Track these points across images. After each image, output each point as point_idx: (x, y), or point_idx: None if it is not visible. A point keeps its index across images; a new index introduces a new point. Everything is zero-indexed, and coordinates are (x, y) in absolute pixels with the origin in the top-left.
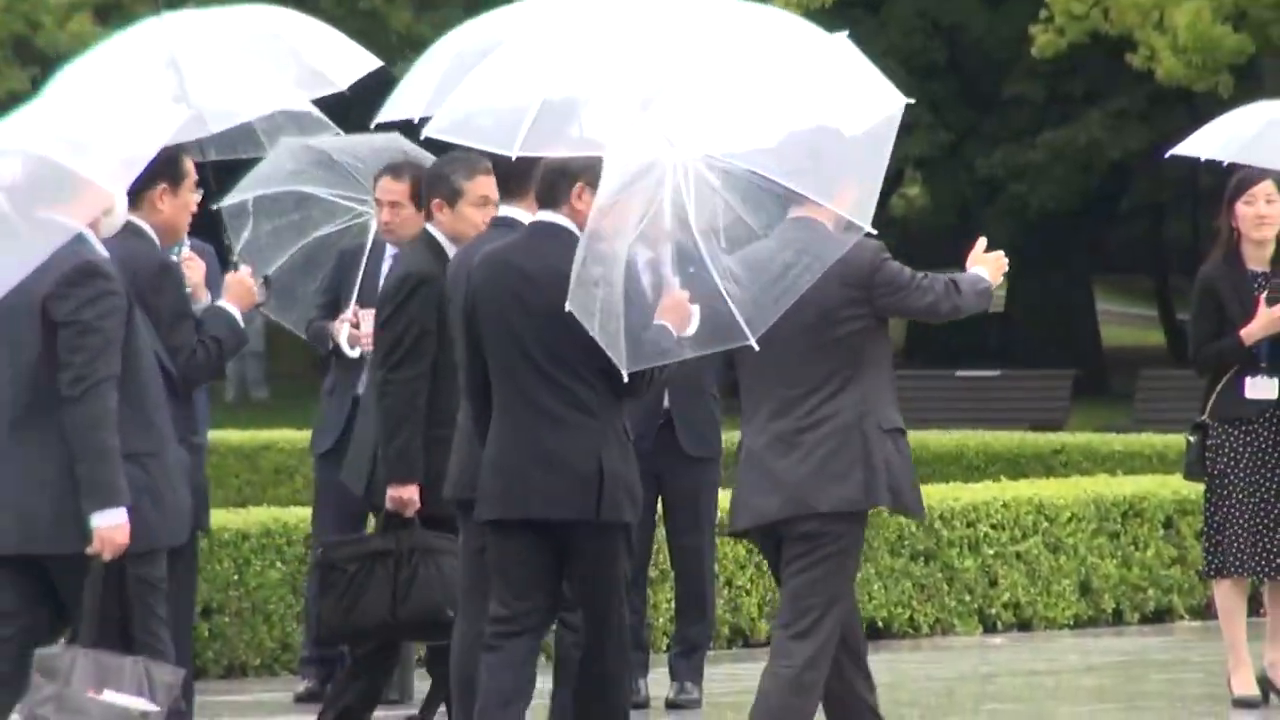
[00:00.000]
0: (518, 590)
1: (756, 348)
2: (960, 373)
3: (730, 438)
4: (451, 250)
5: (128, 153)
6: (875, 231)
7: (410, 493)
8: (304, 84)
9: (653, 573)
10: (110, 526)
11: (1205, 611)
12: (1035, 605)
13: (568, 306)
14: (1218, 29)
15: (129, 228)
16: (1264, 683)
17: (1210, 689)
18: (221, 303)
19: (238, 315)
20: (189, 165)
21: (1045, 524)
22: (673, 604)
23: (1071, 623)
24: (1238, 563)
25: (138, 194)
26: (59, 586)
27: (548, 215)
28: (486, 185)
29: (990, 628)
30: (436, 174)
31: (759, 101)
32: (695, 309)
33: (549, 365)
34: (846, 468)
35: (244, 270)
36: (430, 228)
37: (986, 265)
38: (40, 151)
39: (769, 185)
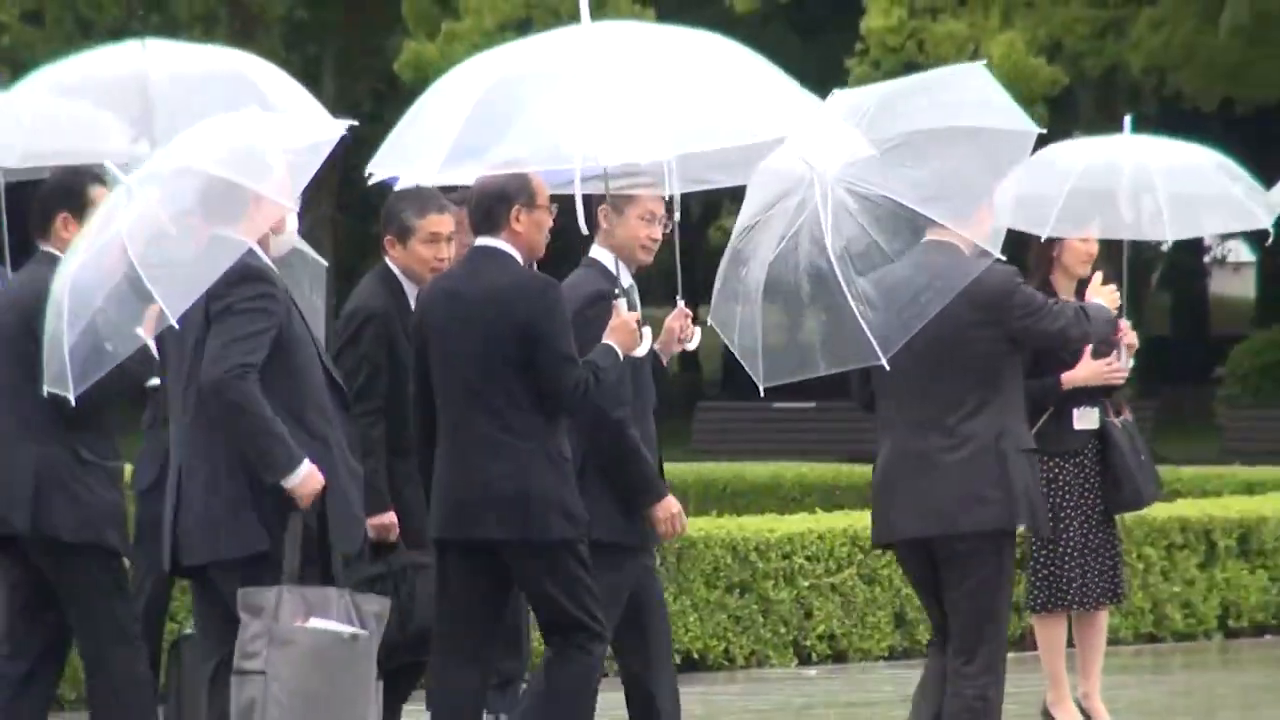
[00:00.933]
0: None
1: (887, 368)
2: (777, 404)
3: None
4: (410, 286)
5: (293, 164)
6: (1005, 258)
7: (389, 519)
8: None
9: None
10: (300, 480)
11: (1020, 643)
12: (850, 637)
13: (709, 319)
14: (1032, 60)
15: (42, 256)
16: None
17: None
18: (137, 330)
19: (152, 344)
20: (94, 193)
21: (860, 555)
22: None
23: (886, 654)
24: (1076, 595)
25: (44, 225)
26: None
27: (487, 240)
28: (437, 223)
29: (805, 659)
30: (388, 211)
31: (893, 126)
32: (647, 330)
33: (483, 388)
34: (987, 488)
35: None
36: (388, 262)
37: (1103, 296)
38: (216, 171)
39: (903, 210)
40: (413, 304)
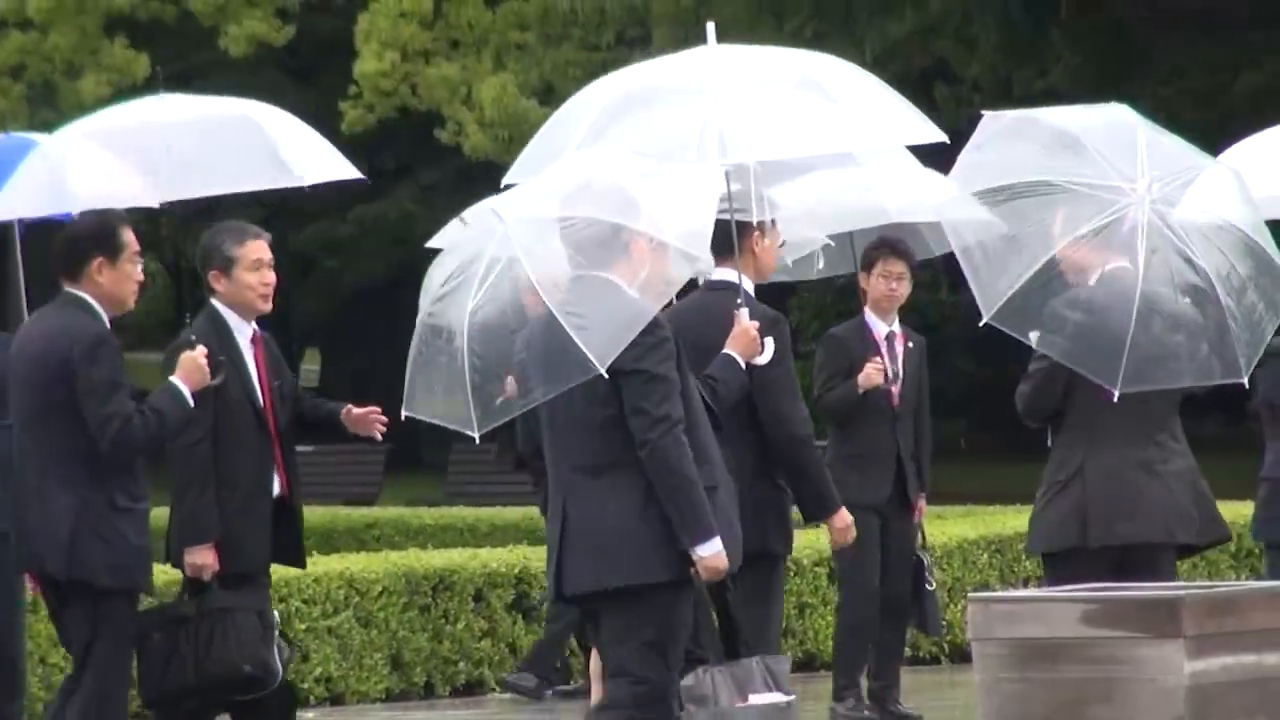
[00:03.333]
0: None
1: (1245, 385)
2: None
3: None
4: (235, 320)
5: (686, 220)
6: None
7: (204, 556)
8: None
9: None
10: (712, 555)
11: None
12: (347, 679)
13: (1034, 342)
14: (524, 103)
15: (71, 299)
16: None
17: None
18: (172, 378)
19: (185, 391)
20: (127, 236)
21: (356, 598)
22: None
23: (384, 696)
24: None
25: (76, 267)
26: (642, 615)
27: None
28: (259, 249)
29: (303, 703)
30: (207, 245)
31: (1176, 159)
32: (770, 342)
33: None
34: (1192, 506)
35: (199, 349)
36: (214, 302)
37: None
38: (601, 215)
39: (1245, 238)
40: (238, 338)
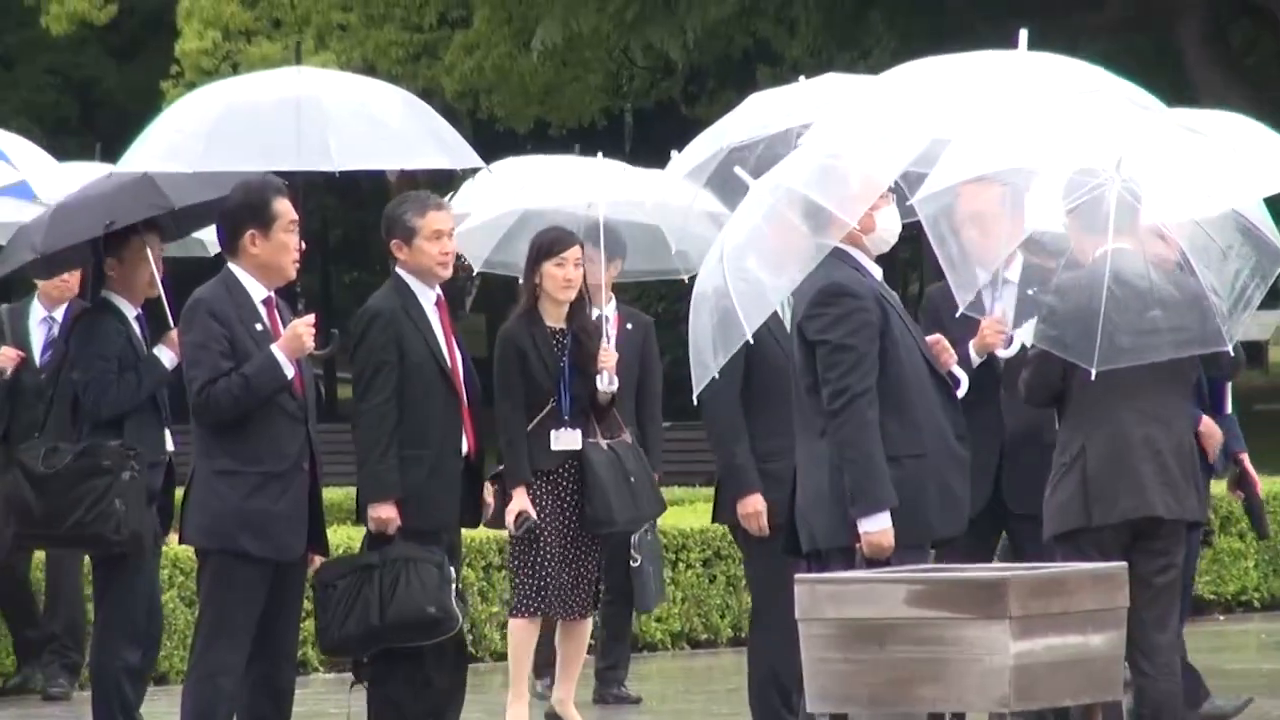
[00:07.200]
0: None
1: (1232, 353)
2: None
3: None
4: (417, 286)
5: (869, 176)
6: None
7: (388, 511)
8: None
9: None
10: (875, 530)
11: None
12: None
13: (1027, 332)
14: None
15: (221, 275)
16: (551, 719)
17: None
18: (272, 347)
19: (281, 358)
20: (279, 206)
21: None
22: None
23: None
24: (554, 603)
25: (232, 241)
26: None
27: None
28: (439, 220)
29: None
30: (390, 215)
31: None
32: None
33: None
34: (1192, 482)
35: (306, 318)
36: (397, 269)
37: None
38: (800, 189)
39: (1234, 216)
40: (423, 304)
